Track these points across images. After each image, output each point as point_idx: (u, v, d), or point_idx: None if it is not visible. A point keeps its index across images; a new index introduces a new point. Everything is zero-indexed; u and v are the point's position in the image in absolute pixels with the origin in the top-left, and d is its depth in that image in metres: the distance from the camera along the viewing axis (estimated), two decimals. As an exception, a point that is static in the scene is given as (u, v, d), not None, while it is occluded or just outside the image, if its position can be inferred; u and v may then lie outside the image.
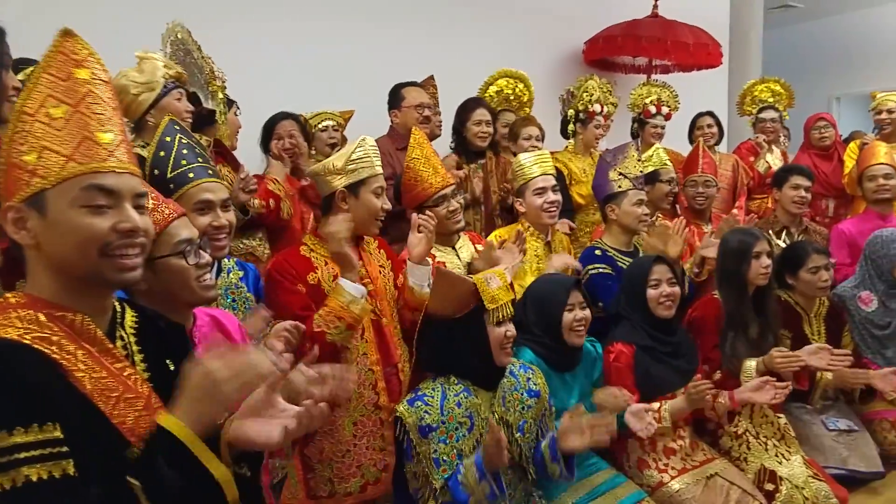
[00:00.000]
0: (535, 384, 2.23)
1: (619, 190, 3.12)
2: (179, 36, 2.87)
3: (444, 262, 2.60)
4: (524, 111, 4.34)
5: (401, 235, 2.46)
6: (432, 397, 2.05)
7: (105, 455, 1.02)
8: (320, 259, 2.23)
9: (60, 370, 1.02)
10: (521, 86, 4.31)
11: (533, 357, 2.47)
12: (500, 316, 2.10)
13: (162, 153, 1.92)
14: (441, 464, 2.01)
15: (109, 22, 3.14)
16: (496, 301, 2.10)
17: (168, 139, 1.94)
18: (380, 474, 2.23)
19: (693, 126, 4.73)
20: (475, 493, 1.95)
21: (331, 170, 2.23)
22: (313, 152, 3.74)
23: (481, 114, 3.66)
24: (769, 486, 2.65)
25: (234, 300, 2.18)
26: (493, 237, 2.96)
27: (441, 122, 4.00)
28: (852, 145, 4.55)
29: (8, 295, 1.09)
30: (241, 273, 2.23)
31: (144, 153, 2.07)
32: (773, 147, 4.79)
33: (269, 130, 3.36)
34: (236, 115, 3.25)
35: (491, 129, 3.71)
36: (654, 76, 5.36)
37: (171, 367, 1.22)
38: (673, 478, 2.57)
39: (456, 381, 2.10)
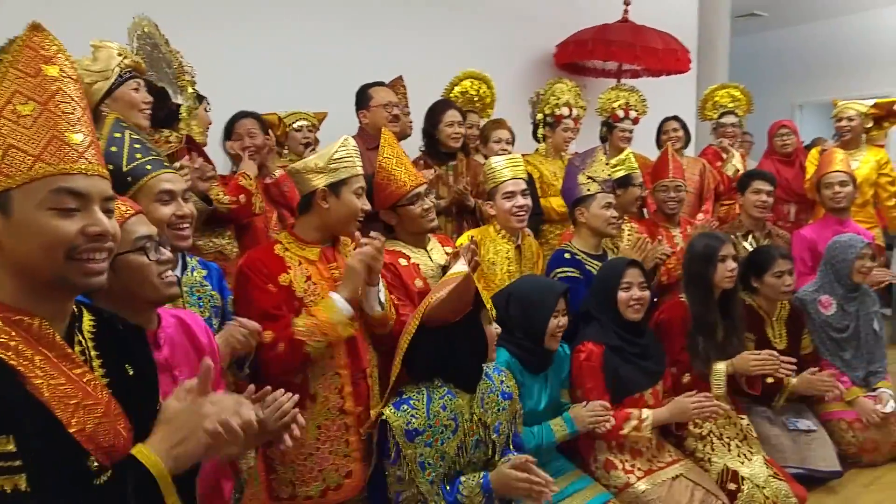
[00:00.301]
0: (507, 386, 2.25)
1: (588, 193, 3.14)
2: (146, 30, 2.80)
3: (417, 264, 2.59)
4: (487, 113, 4.35)
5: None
6: (418, 401, 2.04)
7: (62, 466, 1.00)
8: (294, 259, 2.19)
9: (18, 377, 0.99)
10: (484, 87, 4.31)
11: (508, 358, 2.49)
12: (493, 315, 2.15)
13: (114, 148, 1.88)
14: (426, 467, 2.00)
15: (78, 18, 3.07)
16: (489, 301, 2.14)
17: (118, 135, 1.91)
18: (342, 480, 2.18)
19: (660, 130, 4.79)
20: None
21: (311, 168, 2.19)
22: (286, 151, 3.71)
23: (453, 115, 3.66)
24: (731, 486, 2.71)
25: (199, 298, 2.14)
26: (465, 238, 2.97)
27: (412, 121, 3.99)
28: (813, 152, 4.66)
29: None
30: (204, 272, 2.19)
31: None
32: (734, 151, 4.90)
33: (228, 130, 3.32)
34: (206, 111, 3.20)
35: (462, 131, 3.71)
36: (623, 80, 5.41)
37: (131, 372, 1.19)
38: (639, 479, 2.61)
39: (440, 385, 2.10)
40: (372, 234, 2.20)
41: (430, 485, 1.99)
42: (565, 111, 4.14)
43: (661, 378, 2.82)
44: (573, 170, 3.25)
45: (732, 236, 3.39)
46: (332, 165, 2.18)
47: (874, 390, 3.46)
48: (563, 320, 2.55)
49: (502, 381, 2.25)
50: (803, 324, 3.46)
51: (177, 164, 2.38)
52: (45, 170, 1.03)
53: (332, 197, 2.19)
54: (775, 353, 2.92)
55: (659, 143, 4.76)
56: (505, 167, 3.07)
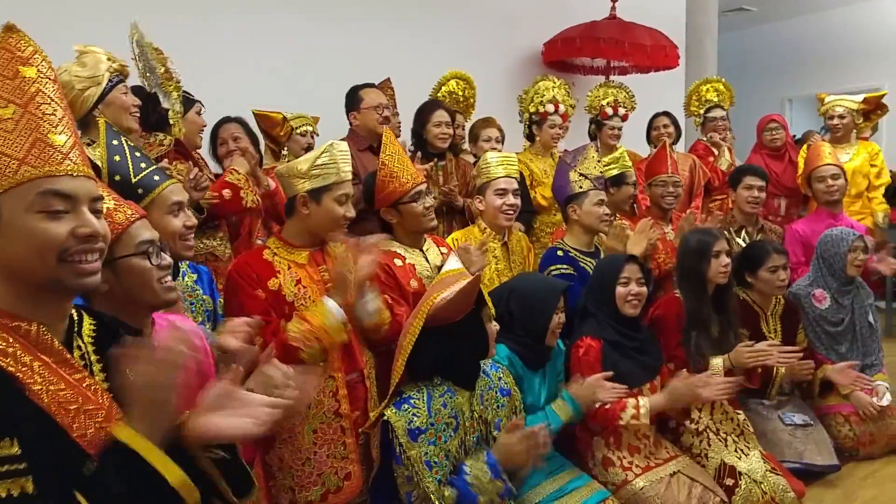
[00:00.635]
0: (505, 383, 2.26)
1: (581, 190, 3.14)
2: (135, 38, 2.80)
3: (413, 265, 2.58)
4: (470, 113, 4.35)
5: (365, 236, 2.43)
6: (419, 399, 2.03)
7: (65, 471, 0.99)
8: (283, 263, 2.17)
9: (17, 384, 0.98)
10: (467, 87, 4.32)
11: (508, 353, 2.49)
12: (492, 313, 2.15)
13: (117, 157, 1.88)
14: (433, 466, 1.99)
15: (62, 20, 3.05)
16: (489, 299, 2.14)
17: (115, 143, 1.91)
18: (341, 483, 2.18)
19: (650, 126, 4.78)
20: (487, 492, 1.96)
21: (295, 172, 2.18)
22: (285, 152, 3.69)
23: (441, 115, 3.66)
24: (729, 482, 2.70)
25: (192, 303, 2.14)
26: (449, 241, 2.97)
27: (400, 122, 3.98)
28: (805, 147, 4.67)
29: None
30: (195, 276, 2.19)
31: (92, 151, 2.00)
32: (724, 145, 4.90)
33: (213, 135, 3.30)
34: (199, 115, 3.15)
35: (450, 131, 3.71)
36: (612, 77, 5.42)
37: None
38: (637, 475, 2.60)
39: (439, 383, 2.09)
40: (374, 238, 2.19)
41: (437, 484, 1.98)
42: (550, 108, 4.15)
43: (658, 373, 2.81)
44: (564, 167, 3.24)
45: (725, 232, 3.39)
46: (314, 171, 2.16)
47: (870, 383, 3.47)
48: (562, 317, 2.57)
49: (500, 378, 2.26)
50: (798, 319, 3.47)
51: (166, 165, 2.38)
52: (31, 173, 1.03)
53: (312, 203, 2.17)
54: (776, 342, 2.92)
55: (649, 140, 4.75)
56: (499, 164, 3.07)
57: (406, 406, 2.02)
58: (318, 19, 4.34)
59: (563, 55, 5.42)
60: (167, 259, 1.57)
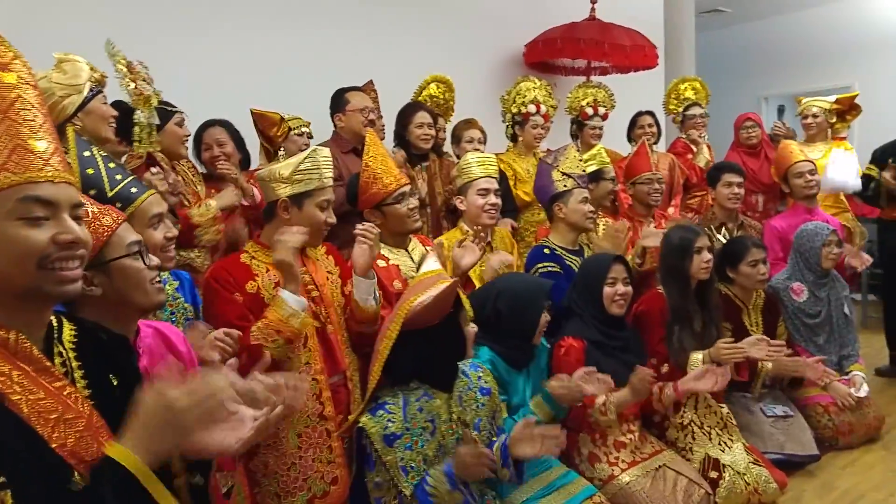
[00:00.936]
0: (485, 382, 2.24)
1: (565, 189, 3.17)
2: (110, 54, 2.77)
3: (398, 265, 2.59)
4: (449, 115, 4.37)
5: (350, 239, 2.42)
6: (394, 404, 2.02)
7: (45, 482, 0.97)
8: (261, 266, 2.16)
9: None
10: (447, 91, 4.34)
11: (491, 355, 2.49)
12: (470, 316, 2.15)
13: (90, 170, 1.79)
14: (409, 471, 1.98)
15: (45, 30, 3.02)
16: (467, 302, 2.14)
17: (87, 154, 1.81)
18: (328, 487, 2.15)
19: (633, 125, 4.83)
20: (445, 502, 1.94)
21: (276, 177, 2.17)
22: (282, 152, 3.67)
23: (422, 116, 3.67)
24: (713, 474, 2.75)
25: (172, 312, 2.11)
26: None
27: (384, 125, 3.99)
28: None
29: None
30: (176, 283, 2.15)
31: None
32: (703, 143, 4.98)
33: (196, 139, 3.22)
34: (181, 125, 3.01)
35: (433, 132, 3.72)
36: (592, 77, 5.45)
37: (115, 382, 1.17)
38: (623, 470, 2.63)
39: (416, 387, 2.08)
40: (366, 224, 2.19)
41: (414, 488, 1.97)
42: (532, 108, 4.18)
43: (642, 370, 2.84)
44: (546, 168, 3.28)
45: (706, 228, 3.44)
46: (296, 176, 2.16)
47: (847, 374, 3.54)
48: (548, 316, 2.58)
49: (479, 377, 2.24)
50: (778, 312, 3.53)
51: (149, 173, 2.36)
52: (11, 179, 1.01)
53: (293, 208, 2.17)
54: (766, 337, 2.97)
55: (630, 138, 4.80)
56: (480, 164, 3.10)
57: (381, 412, 2.00)
58: (299, 22, 4.32)
59: (544, 56, 5.44)
60: (155, 259, 1.56)
